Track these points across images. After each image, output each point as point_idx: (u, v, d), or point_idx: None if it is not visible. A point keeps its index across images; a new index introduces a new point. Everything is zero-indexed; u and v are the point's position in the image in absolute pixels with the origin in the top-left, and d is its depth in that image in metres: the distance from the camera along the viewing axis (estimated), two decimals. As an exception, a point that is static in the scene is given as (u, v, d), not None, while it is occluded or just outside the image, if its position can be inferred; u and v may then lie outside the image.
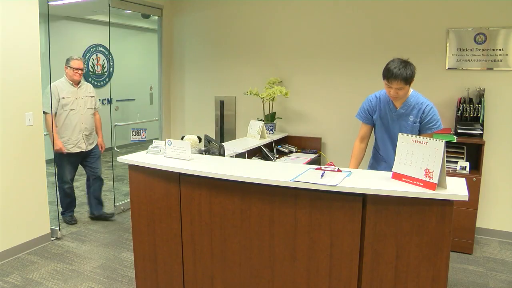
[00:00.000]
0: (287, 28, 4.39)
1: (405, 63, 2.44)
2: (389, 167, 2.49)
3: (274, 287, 2.15)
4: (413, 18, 3.81)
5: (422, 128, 2.56)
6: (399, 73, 2.40)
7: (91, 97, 4.01)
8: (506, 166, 3.64)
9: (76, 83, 3.87)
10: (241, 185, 2.13)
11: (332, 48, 4.20)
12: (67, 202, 4.03)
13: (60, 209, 4.02)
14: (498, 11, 3.50)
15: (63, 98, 3.77)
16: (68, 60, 3.85)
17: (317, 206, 1.99)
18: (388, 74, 2.44)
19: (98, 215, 4.14)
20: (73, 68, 3.80)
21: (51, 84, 3.74)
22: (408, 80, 2.42)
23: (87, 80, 7.25)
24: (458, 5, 3.63)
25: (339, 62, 4.18)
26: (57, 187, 3.94)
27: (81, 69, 3.84)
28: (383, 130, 2.73)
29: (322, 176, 2.03)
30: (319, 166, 2.19)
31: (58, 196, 3.97)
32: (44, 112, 3.66)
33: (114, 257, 3.34)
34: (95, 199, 4.12)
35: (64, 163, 3.89)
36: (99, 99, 7.33)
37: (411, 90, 2.59)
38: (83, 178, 5.84)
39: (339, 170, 2.11)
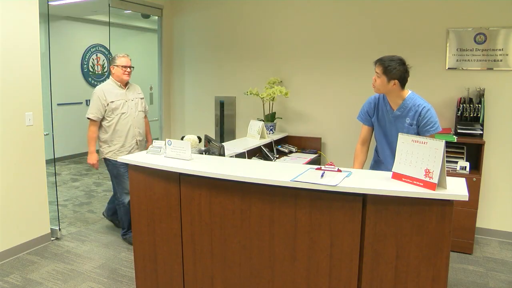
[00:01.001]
0: (287, 28, 4.39)
1: (397, 58, 2.47)
2: (386, 169, 2.50)
3: (274, 287, 2.16)
4: (413, 18, 3.81)
5: (420, 131, 2.54)
6: (382, 58, 2.48)
7: (141, 98, 3.60)
8: (506, 166, 3.64)
9: (125, 84, 3.47)
10: (241, 185, 2.13)
11: (332, 48, 4.20)
12: (128, 219, 3.48)
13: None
14: (498, 11, 3.50)
15: (112, 102, 3.36)
16: (113, 59, 3.44)
17: (317, 206, 1.99)
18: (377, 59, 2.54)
19: (109, 218, 3.92)
20: (122, 67, 3.38)
21: (97, 87, 3.43)
22: (386, 68, 2.45)
23: (87, 80, 7.26)
24: (458, 5, 3.63)
25: (339, 62, 4.18)
26: (117, 204, 3.60)
27: (130, 67, 3.45)
28: (380, 131, 2.73)
29: (322, 176, 2.03)
30: (319, 166, 2.19)
31: (120, 215, 3.56)
32: (89, 119, 3.40)
33: (114, 257, 3.34)
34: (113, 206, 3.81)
35: (121, 173, 3.42)
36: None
37: (409, 92, 2.57)
38: (83, 178, 5.85)
39: (339, 170, 2.11)
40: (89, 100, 7.73)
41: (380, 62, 2.48)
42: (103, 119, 3.41)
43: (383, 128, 2.70)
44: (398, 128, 2.58)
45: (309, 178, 2.00)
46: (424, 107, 2.51)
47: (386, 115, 2.65)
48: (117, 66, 3.40)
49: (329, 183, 1.91)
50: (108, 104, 3.36)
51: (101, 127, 3.44)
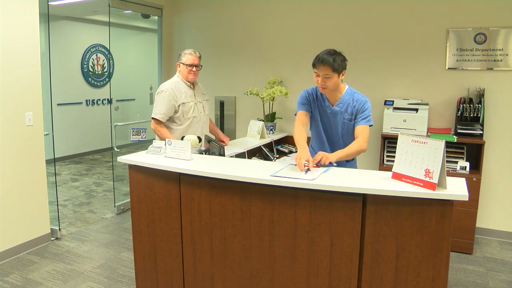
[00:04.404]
0: (287, 28, 4.39)
1: (335, 52, 2.36)
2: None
3: (274, 287, 2.16)
4: (413, 18, 3.81)
5: (355, 120, 2.46)
6: (326, 57, 2.32)
7: (207, 100, 3.24)
8: (506, 166, 3.64)
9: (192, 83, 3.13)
10: (241, 185, 2.13)
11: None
12: None
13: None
14: (498, 11, 3.50)
15: (183, 103, 2.99)
16: (180, 55, 3.07)
17: (317, 206, 1.99)
18: (315, 60, 2.36)
19: None
20: (187, 65, 3.01)
21: (166, 85, 3.00)
22: (335, 66, 2.31)
23: (87, 80, 7.26)
24: (458, 5, 3.63)
25: (339, 62, 4.18)
26: None
27: (197, 66, 3.04)
28: (319, 127, 2.61)
29: (306, 172, 2.08)
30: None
31: None
32: (154, 119, 2.98)
33: (114, 257, 3.34)
34: None
35: None
36: (99, 99, 7.44)
37: (346, 87, 2.51)
38: (83, 178, 5.86)
39: (317, 166, 2.17)
40: (89, 100, 7.66)
41: (325, 62, 2.31)
42: (171, 121, 3.03)
43: (323, 124, 2.59)
44: (337, 124, 2.52)
45: (289, 173, 2.06)
46: (362, 100, 2.46)
47: (325, 111, 2.55)
48: (182, 64, 3.04)
49: (307, 178, 1.97)
50: (179, 106, 2.99)
51: (168, 129, 3.04)
